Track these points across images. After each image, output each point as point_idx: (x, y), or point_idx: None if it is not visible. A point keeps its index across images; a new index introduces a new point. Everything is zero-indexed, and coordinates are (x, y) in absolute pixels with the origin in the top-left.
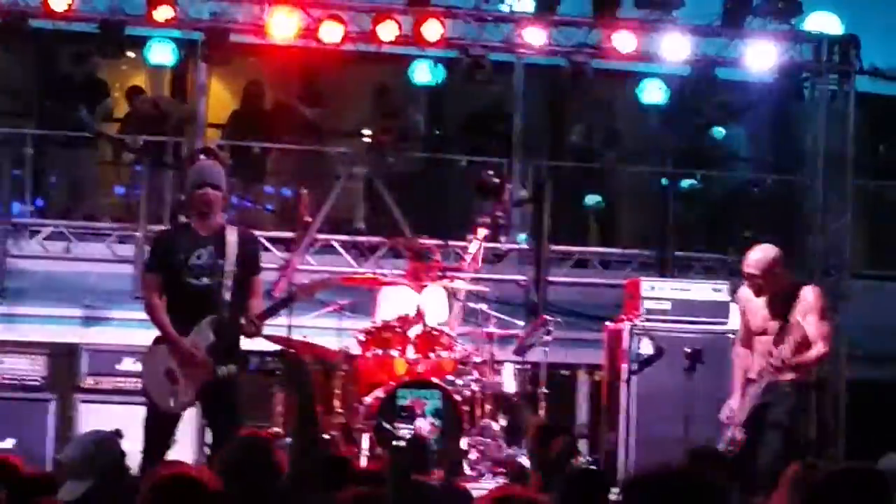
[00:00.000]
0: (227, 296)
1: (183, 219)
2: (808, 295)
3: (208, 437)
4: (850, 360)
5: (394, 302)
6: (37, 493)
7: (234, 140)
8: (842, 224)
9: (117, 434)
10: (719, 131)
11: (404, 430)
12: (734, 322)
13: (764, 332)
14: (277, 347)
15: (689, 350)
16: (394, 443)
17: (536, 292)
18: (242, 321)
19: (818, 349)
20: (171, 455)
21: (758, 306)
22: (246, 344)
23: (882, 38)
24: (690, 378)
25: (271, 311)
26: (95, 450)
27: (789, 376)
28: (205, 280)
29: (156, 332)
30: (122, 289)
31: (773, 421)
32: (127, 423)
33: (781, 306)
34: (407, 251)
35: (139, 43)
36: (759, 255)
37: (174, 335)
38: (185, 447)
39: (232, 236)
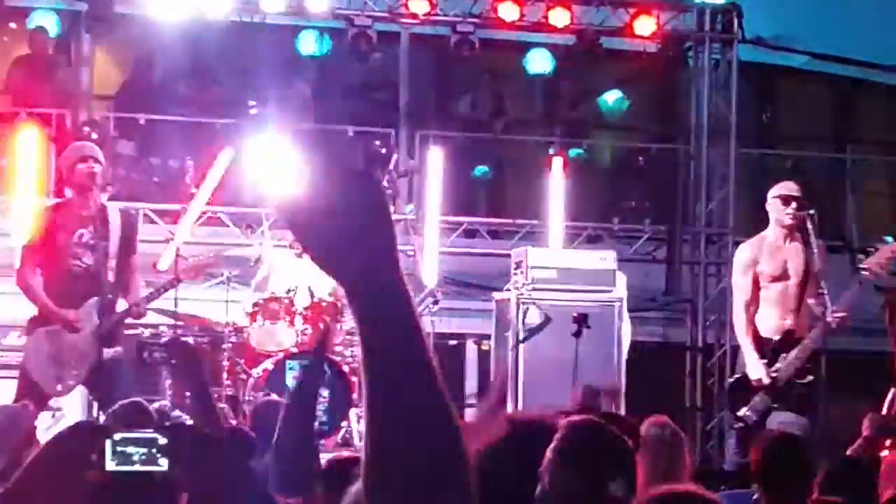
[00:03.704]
0: (110, 276)
1: (68, 194)
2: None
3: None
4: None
5: (281, 273)
6: None
7: (120, 112)
8: (726, 192)
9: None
10: (605, 101)
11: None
12: (620, 290)
13: (783, 279)
14: (165, 338)
15: (575, 314)
16: None
17: (424, 262)
18: (127, 303)
19: None
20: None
21: (777, 249)
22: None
23: (765, 7)
24: (577, 346)
25: (156, 294)
26: (8, 424)
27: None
28: (86, 260)
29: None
30: (3, 263)
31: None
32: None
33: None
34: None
35: (21, 13)
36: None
37: (54, 308)
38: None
39: (114, 216)
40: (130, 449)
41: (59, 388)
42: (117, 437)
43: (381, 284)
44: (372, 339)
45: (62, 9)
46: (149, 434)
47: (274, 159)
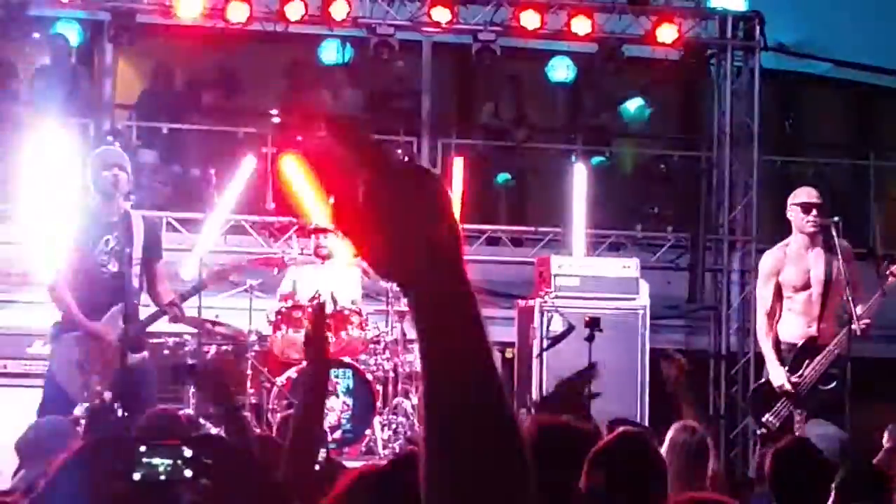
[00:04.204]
0: (135, 283)
1: (90, 201)
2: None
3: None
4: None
5: (305, 281)
6: None
7: (143, 121)
8: (749, 199)
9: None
10: (627, 109)
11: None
12: (643, 298)
13: (806, 287)
14: (193, 360)
15: (586, 318)
16: None
17: None
18: (163, 307)
19: None
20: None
21: (800, 258)
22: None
23: (787, 15)
24: (600, 353)
25: (185, 298)
26: (49, 436)
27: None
28: (112, 267)
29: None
30: (29, 270)
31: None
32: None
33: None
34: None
35: (45, 23)
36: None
37: (84, 320)
38: None
39: (137, 221)
40: (156, 460)
41: (84, 394)
42: (143, 448)
43: (446, 287)
44: (434, 346)
45: (85, 18)
46: (174, 445)
47: (298, 168)
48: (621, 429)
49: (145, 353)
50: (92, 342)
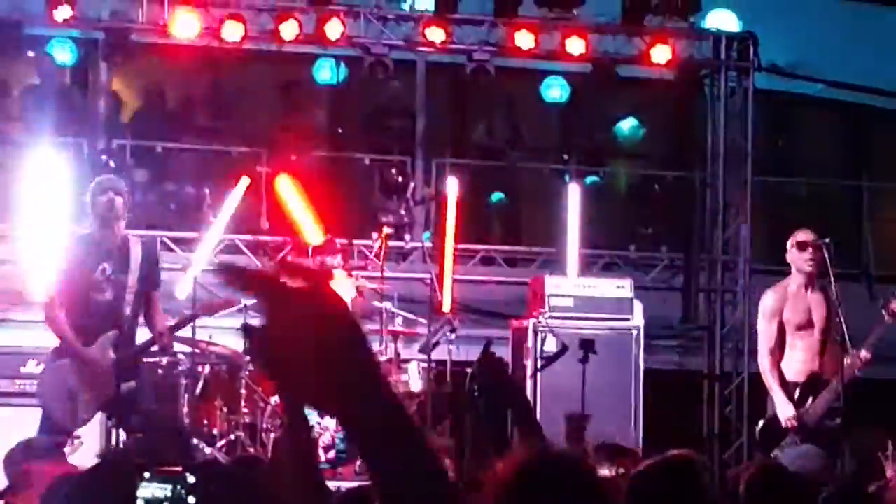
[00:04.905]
0: (128, 311)
1: (87, 227)
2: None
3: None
4: (752, 354)
5: None
6: None
7: (136, 140)
8: (742, 219)
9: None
10: (621, 129)
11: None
12: (637, 318)
13: (808, 326)
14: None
15: (580, 339)
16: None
17: (440, 290)
18: (154, 337)
19: None
20: (78, 455)
21: (800, 298)
22: None
23: (780, 35)
24: (594, 374)
25: (177, 327)
26: (23, 452)
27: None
28: (107, 295)
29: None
30: (24, 290)
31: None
32: (33, 426)
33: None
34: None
35: (40, 42)
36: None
37: (78, 346)
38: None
39: (136, 249)
40: (159, 486)
41: (73, 422)
42: (147, 474)
43: (371, 417)
44: (374, 462)
45: (79, 37)
46: (178, 472)
47: (293, 188)
48: (671, 452)
49: (132, 383)
50: (84, 369)
